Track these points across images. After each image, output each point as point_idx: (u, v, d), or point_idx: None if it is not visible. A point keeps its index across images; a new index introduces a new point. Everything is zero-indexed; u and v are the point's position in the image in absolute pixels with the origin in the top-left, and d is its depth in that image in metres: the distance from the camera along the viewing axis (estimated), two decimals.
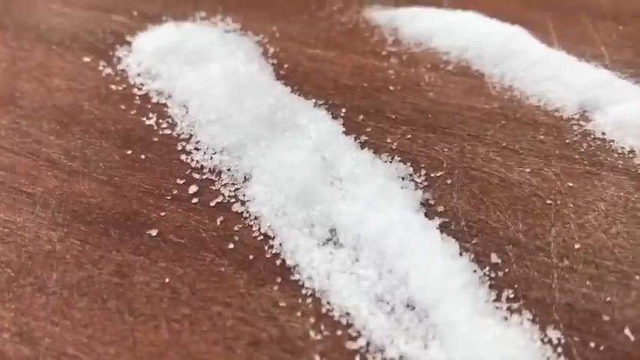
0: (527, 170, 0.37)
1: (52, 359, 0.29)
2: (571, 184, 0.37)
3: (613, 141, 0.39)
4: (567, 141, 0.39)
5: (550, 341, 0.29)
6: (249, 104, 0.38)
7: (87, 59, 0.46)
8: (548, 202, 0.36)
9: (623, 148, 0.39)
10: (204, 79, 0.40)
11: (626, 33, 0.48)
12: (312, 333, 0.30)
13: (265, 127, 0.38)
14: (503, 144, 0.39)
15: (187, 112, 0.41)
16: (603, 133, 0.40)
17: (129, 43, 0.47)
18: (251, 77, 0.40)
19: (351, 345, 0.29)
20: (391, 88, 0.44)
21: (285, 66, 0.45)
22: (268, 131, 0.38)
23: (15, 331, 0.30)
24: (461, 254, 0.32)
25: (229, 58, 0.42)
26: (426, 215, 0.34)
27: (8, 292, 0.32)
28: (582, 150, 0.39)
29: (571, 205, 0.35)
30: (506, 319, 0.30)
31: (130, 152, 0.39)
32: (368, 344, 0.29)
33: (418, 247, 0.31)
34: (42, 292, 0.32)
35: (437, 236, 0.32)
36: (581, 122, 0.41)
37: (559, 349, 0.29)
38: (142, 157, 0.38)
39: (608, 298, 0.31)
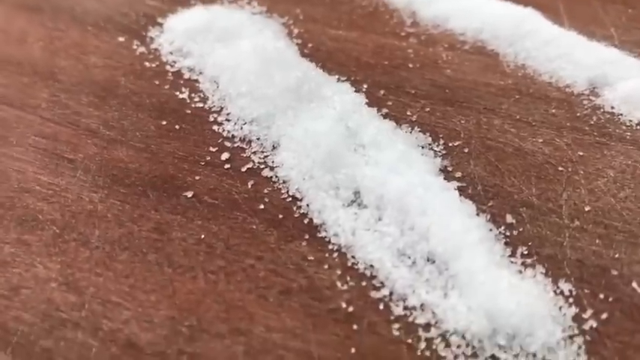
0: (540, 140, 0.39)
1: (98, 305, 0.31)
2: (581, 153, 0.39)
3: (621, 114, 0.41)
4: (578, 114, 0.41)
5: (562, 292, 0.31)
6: (278, 77, 0.40)
7: (121, 39, 0.48)
8: (560, 169, 0.38)
9: (630, 121, 0.41)
10: (235, 55, 0.43)
11: (635, 15, 0.50)
12: (338, 283, 0.32)
13: (292, 98, 0.40)
14: (517, 117, 0.41)
15: (218, 86, 0.43)
16: (612, 107, 0.42)
17: (160, 25, 0.49)
18: (279, 53, 0.42)
19: (375, 294, 0.31)
20: (410, 65, 0.46)
21: (310, 45, 0.47)
22: (295, 102, 0.40)
23: (62, 281, 0.32)
24: (478, 214, 0.34)
25: (258, 35, 0.45)
26: (445, 179, 0.36)
27: (54, 247, 0.34)
28: (592, 122, 0.41)
29: (581, 172, 0.37)
30: (520, 272, 0.32)
31: (164, 123, 0.41)
32: (391, 293, 0.31)
33: (438, 206, 0.33)
34: (85, 247, 0.34)
35: (455, 197, 0.35)
36: (591, 97, 0.43)
37: (570, 300, 0.31)
38: (177, 127, 0.41)
39: (617, 255, 0.33)
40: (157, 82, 0.44)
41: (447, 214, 0.33)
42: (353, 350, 0.29)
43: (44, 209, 0.36)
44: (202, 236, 0.34)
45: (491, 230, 0.34)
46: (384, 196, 0.35)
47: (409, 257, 0.33)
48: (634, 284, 0.32)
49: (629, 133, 0.40)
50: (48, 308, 0.31)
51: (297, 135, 0.38)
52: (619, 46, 0.46)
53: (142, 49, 0.47)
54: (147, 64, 0.46)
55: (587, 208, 0.35)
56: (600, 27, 0.49)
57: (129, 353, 0.29)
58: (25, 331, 0.30)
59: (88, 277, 0.32)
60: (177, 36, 0.47)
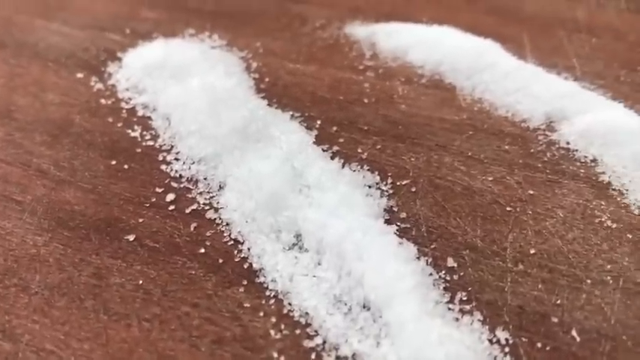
0: (490, 179, 0.39)
1: (31, 354, 0.31)
2: (532, 192, 0.38)
3: (577, 150, 0.41)
4: (532, 150, 0.41)
5: (498, 341, 0.31)
6: (225, 117, 0.40)
7: (80, 75, 0.48)
8: (508, 209, 0.37)
9: (585, 157, 0.40)
10: (185, 94, 0.43)
11: (598, 45, 0.50)
12: (272, 332, 0.31)
13: (240, 138, 0.40)
14: (469, 153, 0.41)
15: (170, 124, 0.43)
16: (568, 143, 0.41)
17: (120, 59, 0.50)
18: (228, 91, 0.42)
19: (308, 343, 0.31)
20: (365, 100, 0.45)
21: (266, 80, 0.47)
22: (242, 142, 0.40)
23: None
24: (418, 258, 0.34)
25: (209, 72, 0.45)
26: (388, 221, 0.36)
27: None
28: (546, 159, 0.40)
29: (530, 212, 0.37)
30: (457, 319, 0.31)
31: (114, 162, 0.41)
32: (324, 342, 0.31)
33: (374, 251, 0.33)
34: (25, 293, 0.34)
35: (394, 241, 0.34)
36: (547, 132, 0.42)
37: (506, 349, 0.30)
38: (126, 166, 0.41)
39: (559, 301, 0.32)
40: (110, 120, 0.44)
41: (382, 259, 0.33)
42: None
43: None
44: (140, 282, 0.34)
45: (430, 274, 0.33)
46: (323, 239, 0.34)
47: (345, 304, 0.32)
48: (573, 332, 0.31)
49: (582, 170, 0.39)
50: None
51: (242, 175, 0.38)
52: (580, 77, 0.46)
53: (100, 85, 0.47)
54: (102, 101, 0.46)
55: (532, 251, 0.35)
56: (563, 57, 0.48)
57: None
58: None
59: (25, 324, 0.32)
60: (134, 72, 0.47)
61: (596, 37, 0.50)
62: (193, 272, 0.34)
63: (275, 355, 0.31)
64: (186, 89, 0.43)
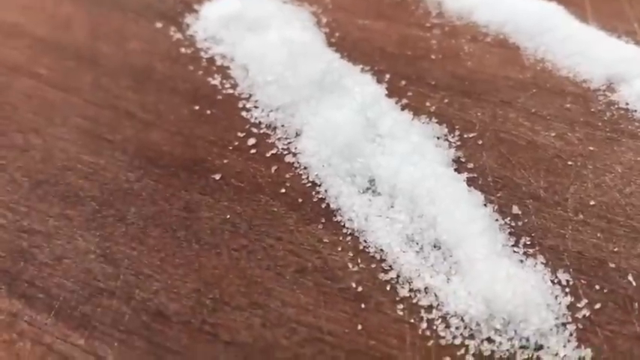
0: (553, 134, 0.41)
1: (131, 277, 0.34)
2: (592, 148, 0.40)
3: (635, 111, 0.42)
4: (592, 109, 0.43)
5: (559, 282, 0.33)
6: (302, 68, 0.43)
7: (159, 25, 0.51)
8: (570, 163, 0.39)
9: None
10: (263, 45, 0.45)
11: None
12: (350, 265, 0.34)
13: (315, 88, 0.42)
14: (533, 110, 0.43)
15: (248, 74, 0.45)
16: (627, 104, 0.43)
17: (196, 11, 0.52)
18: (304, 44, 0.45)
19: (383, 276, 0.34)
20: (433, 57, 0.47)
21: (337, 34, 0.49)
22: (318, 92, 0.42)
23: (99, 253, 0.35)
24: (485, 205, 0.36)
25: (286, 26, 0.47)
26: (456, 170, 0.38)
27: (93, 222, 0.37)
28: (605, 118, 0.42)
29: (590, 167, 0.39)
30: (521, 261, 0.34)
31: (197, 107, 0.44)
32: (398, 276, 0.34)
33: (446, 197, 0.36)
34: (122, 222, 0.37)
35: (464, 188, 0.37)
36: (607, 93, 0.44)
37: (567, 289, 0.33)
38: (208, 112, 0.43)
39: (616, 249, 0.35)
40: (191, 68, 0.47)
41: (453, 204, 0.35)
42: (359, 327, 0.32)
43: (85, 186, 0.39)
44: (228, 216, 0.37)
45: (497, 220, 0.36)
46: (396, 185, 0.37)
47: (417, 243, 0.35)
48: (629, 277, 0.33)
49: None
50: (87, 277, 0.34)
51: (318, 124, 0.40)
52: None
53: (179, 35, 0.50)
54: (182, 50, 0.48)
55: (592, 202, 0.37)
56: (624, 22, 0.49)
57: (158, 321, 0.33)
58: (67, 297, 0.34)
59: (123, 250, 0.36)
60: (211, 23, 0.49)
61: None
62: (275, 209, 0.37)
63: (354, 285, 0.34)
64: (264, 41, 0.45)
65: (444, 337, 0.31)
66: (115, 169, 0.40)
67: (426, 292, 0.33)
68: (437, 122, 0.42)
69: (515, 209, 0.37)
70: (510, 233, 0.35)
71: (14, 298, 0.34)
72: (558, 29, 0.48)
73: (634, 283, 0.33)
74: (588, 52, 0.46)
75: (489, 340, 0.31)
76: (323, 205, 0.37)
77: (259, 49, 0.45)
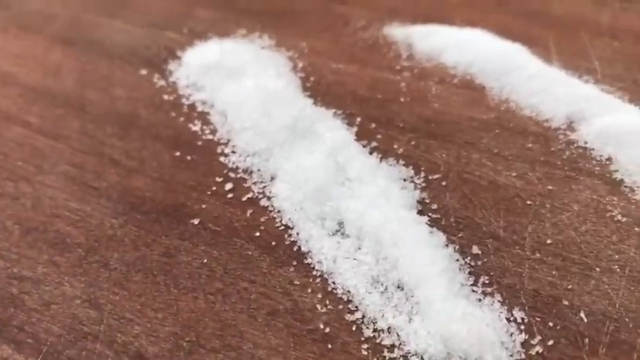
0: (514, 174, 0.43)
1: (114, 321, 0.36)
2: (550, 187, 0.42)
3: (593, 149, 0.45)
4: (552, 148, 0.45)
5: (515, 320, 0.35)
6: (276, 115, 0.45)
7: (144, 72, 0.54)
8: (529, 202, 0.41)
9: (601, 156, 0.44)
10: (240, 93, 0.48)
11: (620, 48, 0.53)
12: (319, 306, 0.36)
13: (289, 134, 0.45)
14: (495, 150, 0.45)
15: (226, 120, 0.48)
16: (585, 142, 0.45)
17: (179, 58, 0.55)
18: (278, 92, 0.47)
19: (349, 317, 0.36)
20: (402, 99, 0.50)
21: (312, 79, 0.52)
22: (291, 138, 0.45)
23: (85, 299, 0.37)
24: (447, 245, 0.39)
25: (262, 73, 0.50)
26: (420, 212, 0.41)
27: (79, 268, 0.39)
28: (565, 157, 0.44)
29: (548, 206, 0.41)
30: (479, 300, 0.36)
31: (178, 154, 0.46)
32: (363, 316, 0.36)
33: (408, 239, 0.38)
34: (105, 268, 0.39)
35: (425, 230, 0.39)
36: (567, 132, 0.46)
37: (522, 327, 0.35)
38: (188, 158, 0.46)
39: (570, 286, 0.37)
40: (173, 115, 0.49)
41: (415, 246, 0.37)
42: None
43: (72, 233, 0.41)
44: (205, 260, 0.39)
45: (457, 260, 0.38)
46: (363, 227, 0.39)
47: (382, 284, 0.37)
48: (582, 314, 0.35)
49: (598, 168, 0.43)
50: (73, 322, 0.36)
51: (291, 169, 0.43)
52: (600, 80, 0.50)
53: (162, 82, 0.52)
54: (165, 97, 0.51)
55: (548, 241, 0.39)
56: (585, 60, 0.52)
57: None
58: (54, 341, 0.36)
59: (107, 295, 0.38)
60: (192, 70, 0.52)
61: (618, 41, 0.54)
62: (250, 253, 0.39)
63: (321, 326, 0.36)
64: (241, 89, 0.48)
65: None
66: (100, 215, 0.42)
67: (389, 332, 0.35)
68: (404, 164, 0.44)
69: (475, 249, 0.39)
70: (470, 273, 0.37)
71: (4, 344, 0.36)
72: (523, 69, 0.50)
73: (585, 320, 0.35)
74: (550, 92, 0.48)
75: None
76: (295, 248, 0.40)
77: (236, 96, 0.48)
